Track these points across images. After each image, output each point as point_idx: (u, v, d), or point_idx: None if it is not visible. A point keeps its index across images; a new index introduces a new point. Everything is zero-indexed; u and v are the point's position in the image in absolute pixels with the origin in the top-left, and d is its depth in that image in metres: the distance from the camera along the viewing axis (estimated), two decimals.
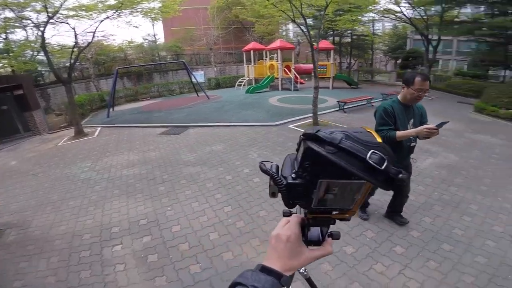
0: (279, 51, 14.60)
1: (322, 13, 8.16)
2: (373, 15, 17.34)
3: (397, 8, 14.25)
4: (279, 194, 0.54)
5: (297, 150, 0.57)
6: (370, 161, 0.44)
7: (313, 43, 7.04)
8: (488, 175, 4.63)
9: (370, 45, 23.52)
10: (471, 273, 2.38)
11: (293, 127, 7.50)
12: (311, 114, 7.55)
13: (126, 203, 4.01)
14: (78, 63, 12.82)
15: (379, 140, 0.49)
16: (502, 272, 2.39)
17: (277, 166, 0.58)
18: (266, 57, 16.43)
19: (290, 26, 28.16)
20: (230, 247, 2.88)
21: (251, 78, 16.51)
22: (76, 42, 8.45)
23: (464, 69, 19.85)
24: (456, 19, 13.78)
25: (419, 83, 2.13)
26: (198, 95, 14.49)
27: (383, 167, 0.44)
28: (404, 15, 13.95)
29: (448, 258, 2.59)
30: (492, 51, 16.29)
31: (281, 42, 15.31)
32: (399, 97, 2.38)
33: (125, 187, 4.56)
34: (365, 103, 10.25)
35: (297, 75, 15.19)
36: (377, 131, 2.30)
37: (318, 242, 0.60)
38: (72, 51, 8.44)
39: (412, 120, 2.35)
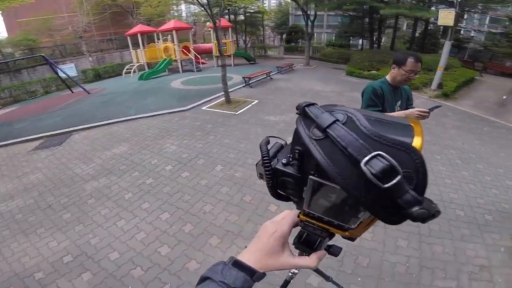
0: (174, 32, 13.38)
1: None
2: None
3: None
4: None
5: None
6: (365, 168, 0.27)
7: (216, 21, 6.76)
8: None
9: (261, 22, 24.87)
10: None
11: (207, 109, 7.21)
12: (222, 93, 7.47)
13: (29, 243, 2.96)
14: None
15: (416, 143, 0.30)
16: None
17: (281, 146, 0.48)
18: (159, 39, 14.78)
19: (183, 6, 26.28)
20: (190, 255, 2.62)
21: (142, 63, 14.60)
22: None
23: (333, 40, 23.97)
24: None
25: (411, 64, 1.94)
26: (72, 92, 11.66)
27: (387, 185, 0.27)
28: None
29: None
30: (352, 24, 20.49)
31: (176, 23, 14.17)
32: (387, 77, 2.18)
33: (15, 225, 3.32)
34: (265, 76, 10.97)
35: (197, 55, 14.49)
36: None
37: (309, 249, 0.47)
38: None
39: (399, 102, 2.21)
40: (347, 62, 14.66)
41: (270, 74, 11.31)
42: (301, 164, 0.38)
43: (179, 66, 14.05)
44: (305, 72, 13.38)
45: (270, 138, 0.50)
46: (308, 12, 14.61)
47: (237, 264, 0.42)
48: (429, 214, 0.28)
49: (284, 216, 0.48)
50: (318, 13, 15.41)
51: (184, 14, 28.97)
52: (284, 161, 0.41)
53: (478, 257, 2.61)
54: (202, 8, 7.63)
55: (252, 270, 0.41)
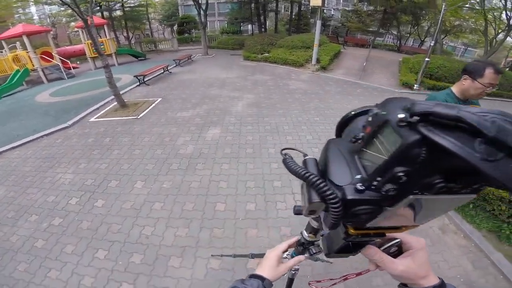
0: (25, 38, 10.38)
1: None
2: None
3: None
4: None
5: (357, 139, 0.36)
6: None
7: (87, 18, 5.46)
8: (278, 101, 6.61)
9: (147, 15, 22.90)
10: None
11: (98, 120, 5.89)
12: (112, 97, 6.37)
13: None
14: None
15: None
16: None
17: (315, 161, 0.41)
18: (2, 48, 11.24)
19: (33, 8, 20.97)
20: (159, 285, 2.24)
21: None
22: None
23: (226, 28, 24.33)
24: None
25: (491, 77, 1.59)
26: None
27: None
28: None
29: None
30: (241, 10, 21.25)
31: (26, 26, 11.06)
32: (454, 89, 1.86)
33: None
34: (163, 71, 10.11)
35: (65, 60, 11.84)
36: None
37: (352, 253, 0.50)
38: None
39: None
40: (243, 47, 15.23)
41: (168, 68, 10.49)
42: (401, 187, 0.31)
43: (42, 75, 11.13)
44: (206, 61, 13.10)
45: (287, 150, 0.43)
46: (199, 1, 14.11)
47: (253, 275, 0.64)
48: None
49: (279, 246, 0.75)
50: (209, 1, 15.09)
51: (36, 17, 24.27)
52: (359, 186, 0.34)
53: None
54: (64, 8, 6.04)
55: (262, 277, 0.63)
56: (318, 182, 0.35)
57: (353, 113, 0.47)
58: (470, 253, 2.51)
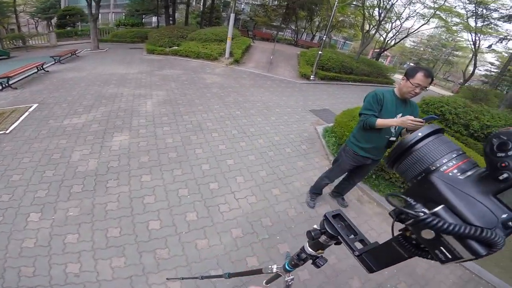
0: None
1: None
2: None
3: None
4: None
5: (497, 177, 0.38)
6: None
7: None
8: (195, 96, 6.19)
9: (13, 8, 18.26)
10: None
11: None
12: None
13: None
14: None
15: None
16: None
17: (447, 210, 0.40)
18: None
19: None
20: None
21: None
22: None
23: (124, 20, 21.23)
24: None
25: (420, 79, 1.85)
26: None
27: None
28: None
29: None
30: (144, 2, 19.00)
31: None
32: (395, 88, 2.12)
33: None
34: (36, 71, 7.81)
35: None
36: (359, 114, 2.16)
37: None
38: None
39: (400, 115, 2.07)
40: (145, 40, 13.58)
41: (44, 66, 8.18)
42: None
43: None
44: (97, 56, 10.94)
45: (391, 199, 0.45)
46: None
47: None
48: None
49: None
50: None
51: None
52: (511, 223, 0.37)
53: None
54: None
55: None
56: (488, 235, 0.34)
57: (415, 138, 0.47)
58: (388, 219, 2.97)
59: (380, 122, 2.01)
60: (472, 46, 15.09)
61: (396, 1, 12.72)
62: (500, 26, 14.08)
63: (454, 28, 15.90)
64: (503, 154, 0.37)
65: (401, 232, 0.49)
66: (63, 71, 8.16)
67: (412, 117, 1.84)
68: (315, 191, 3.05)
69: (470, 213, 0.37)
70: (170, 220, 2.62)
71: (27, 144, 3.68)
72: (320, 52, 9.89)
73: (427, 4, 14.33)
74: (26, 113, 4.69)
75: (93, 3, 12.08)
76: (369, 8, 13.34)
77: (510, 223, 0.36)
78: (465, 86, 13.70)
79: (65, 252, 2.20)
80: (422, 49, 37.06)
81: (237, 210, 2.86)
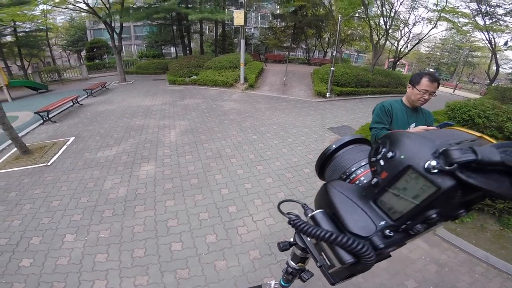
0: None
1: None
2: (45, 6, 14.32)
3: None
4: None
5: (369, 184, 0.36)
6: None
7: None
8: (214, 124, 6.53)
9: (47, 41, 19.79)
10: None
11: None
12: (9, 142, 5.08)
13: None
14: None
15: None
16: None
17: (325, 215, 0.40)
18: None
19: None
20: None
21: None
22: None
23: (145, 51, 23.06)
24: (133, 5, 14.45)
25: (426, 84, 1.83)
26: None
27: None
28: (86, 4, 12.48)
29: None
30: (161, 33, 20.48)
31: None
32: (403, 97, 2.07)
33: None
34: (72, 104, 8.71)
35: None
36: (370, 129, 2.08)
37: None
38: None
39: (413, 125, 2.01)
40: (166, 71, 14.63)
41: (79, 99, 9.12)
42: (433, 223, 0.33)
43: None
44: (124, 89, 11.97)
45: (285, 201, 0.44)
46: (113, 25, 12.94)
47: None
48: None
49: None
50: (124, 24, 13.99)
51: None
52: (388, 232, 0.35)
53: None
54: None
55: None
56: (350, 242, 0.34)
57: (334, 146, 0.48)
58: None
59: None
60: (488, 45, 14.28)
61: (398, 7, 12.73)
62: (509, 22, 13.30)
63: (464, 28, 15.26)
64: (374, 159, 0.37)
65: None
66: (95, 104, 9.01)
67: (425, 127, 1.80)
68: None
69: (350, 219, 0.37)
70: (191, 242, 2.76)
71: (65, 175, 4.11)
72: (332, 68, 9.85)
73: (430, 8, 14.17)
74: (65, 146, 5.24)
75: (115, 36, 13.20)
76: (373, 18, 13.27)
77: (387, 231, 0.34)
78: (491, 86, 12.90)
79: (94, 270, 2.42)
80: (438, 53, 36.05)
81: (255, 232, 2.94)
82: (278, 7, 23.25)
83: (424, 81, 1.83)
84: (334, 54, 10.88)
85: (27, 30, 17.08)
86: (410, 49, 18.66)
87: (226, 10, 16.86)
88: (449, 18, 14.17)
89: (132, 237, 2.82)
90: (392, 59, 19.38)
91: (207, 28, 25.58)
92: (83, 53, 23.65)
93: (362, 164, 0.45)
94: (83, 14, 20.38)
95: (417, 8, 14.57)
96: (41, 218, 3.11)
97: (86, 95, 10.24)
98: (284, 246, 0.65)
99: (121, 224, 3.01)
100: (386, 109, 2.01)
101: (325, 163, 0.50)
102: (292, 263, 0.70)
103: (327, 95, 10.13)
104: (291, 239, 0.66)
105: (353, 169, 0.45)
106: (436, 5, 13.45)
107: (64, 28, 25.08)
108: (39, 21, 16.91)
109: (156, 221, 3.07)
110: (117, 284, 2.28)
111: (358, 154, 0.47)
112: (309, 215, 0.43)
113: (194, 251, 2.65)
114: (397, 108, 2.01)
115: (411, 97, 1.94)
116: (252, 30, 28.70)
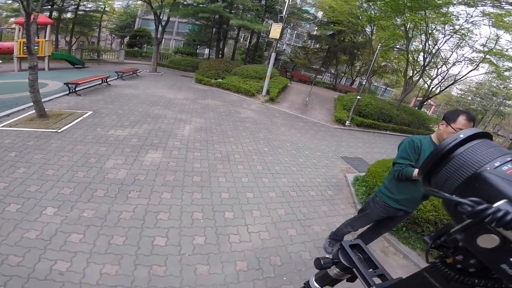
0: None
1: None
2: None
3: None
4: None
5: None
6: None
7: (32, 13, 4.43)
8: (229, 128, 6.42)
9: (98, 23, 21.05)
10: None
11: (2, 129, 4.35)
12: (31, 104, 5.15)
13: None
14: None
15: None
16: None
17: None
18: None
19: None
20: None
21: None
22: None
23: (182, 48, 23.97)
24: (184, 1, 15.01)
25: (463, 123, 1.70)
26: None
27: None
28: None
29: None
30: (201, 33, 21.31)
31: None
32: (433, 134, 1.96)
33: None
34: (101, 82, 8.98)
35: None
36: (394, 163, 1.98)
37: None
38: None
39: None
40: (195, 70, 15.00)
41: (108, 80, 9.41)
42: None
43: None
44: (152, 78, 12.32)
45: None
46: (161, 17, 13.58)
47: None
48: None
49: None
50: (170, 18, 14.64)
51: None
52: None
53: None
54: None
55: None
56: None
57: (454, 141, 0.39)
58: (412, 271, 2.61)
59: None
60: None
61: (443, 45, 12.12)
62: None
63: (506, 73, 14.14)
64: None
65: (437, 259, 0.41)
66: (122, 86, 9.26)
67: None
68: (336, 238, 2.79)
69: None
70: (177, 239, 2.56)
71: (71, 145, 4.07)
72: (358, 97, 9.68)
73: (476, 48, 12.99)
74: (80, 118, 5.29)
75: (160, 28, 13.74)
76: (413, 52, 12.85)
77: None
78: None
79: (61, 249, 2.22)
80: (470, 98, 34.38)
81: (247, 243, 2.70)
82: (316, 28, 23.47)
83: (461, 119, 1.71)
84: (364, 83, 10.70)
85: (87, 9, 18.32)
86: (443, 89, 17.75)
87: (265, 22, 17.28)
88: (493, 60, 13.18)
89: (117, 222, 2.65)
90: (421, 98, 18.76)
91: (242, 37, 26.34)
92: (126, 39, 24.87)
93: (508, 159, 0.35)
94: (138, 2, 21.57)
95: (462, 47, 13.63)
96: (30, 185, 2.99)
97: (116, 77, 10.58)
98: (326, 264, 0.60)
99: (109, 207, 2.85)
100: (416, 145, 1.90)
101: (438, 164, 0.40)
102: (316, 284, 0.65)
103: (346, 123, 9.89)
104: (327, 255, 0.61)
105: (496, 164, 0.35)
106: (484, 45, 12.47)
107: (118, 13, 26.69)
108: (101, 2, 17.98)
109: (147, 211, 2.90)
110: (81, 268, 2.08)
111: (493, 149, 0.37)
112: (495, 204, 0.30)
113: (177, 250, 2.44)
114: (426, 145, 1.89)
115: (443, 135, 1.81)
116: (284, 46, 29.12)
